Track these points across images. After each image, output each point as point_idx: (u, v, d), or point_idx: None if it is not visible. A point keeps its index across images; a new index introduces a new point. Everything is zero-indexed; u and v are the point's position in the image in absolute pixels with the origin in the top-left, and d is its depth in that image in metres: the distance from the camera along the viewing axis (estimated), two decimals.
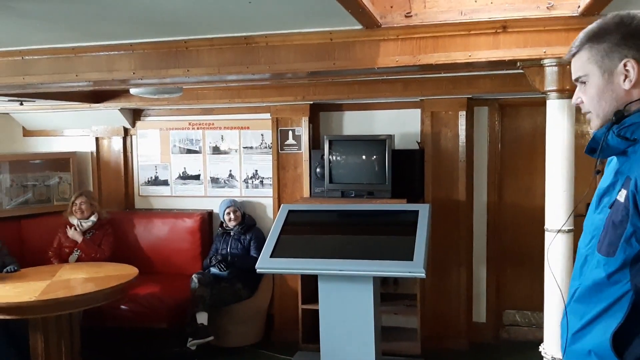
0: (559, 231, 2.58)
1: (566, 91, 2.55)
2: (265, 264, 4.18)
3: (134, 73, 2.84)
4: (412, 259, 3.89)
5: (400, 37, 2.50)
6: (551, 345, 2.66)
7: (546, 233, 2.66)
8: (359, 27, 2.49)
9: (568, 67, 2.48)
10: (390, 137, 4.71)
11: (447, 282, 5.00)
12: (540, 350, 2.73)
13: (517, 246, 5.16)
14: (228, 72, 2.73)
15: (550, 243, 2.63)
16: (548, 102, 2.62)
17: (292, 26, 2.56)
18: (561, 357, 2.65)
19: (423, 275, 3.81)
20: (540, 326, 5.14)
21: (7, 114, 5.99)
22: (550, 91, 2.58)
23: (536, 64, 2.55)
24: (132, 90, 4.00)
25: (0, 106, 5.39)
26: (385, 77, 4.56)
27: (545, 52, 2.42)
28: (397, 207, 4.52)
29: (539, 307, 5.14)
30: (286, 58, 2.64)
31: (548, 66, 2.53)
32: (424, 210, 4.28)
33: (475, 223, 5.11)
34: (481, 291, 5.19)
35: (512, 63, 2.60)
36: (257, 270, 4.18)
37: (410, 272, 3.91)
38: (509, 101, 5.00)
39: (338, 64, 2.59)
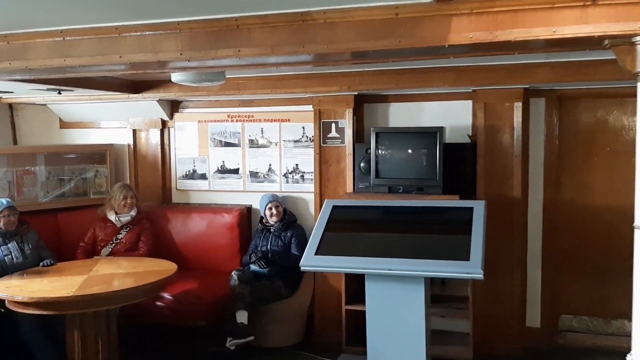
0: None
1: None
2: (310, 261, 3.99)
3: (180, 54, 2.65)
4: (468, 259, 3.66)
5: (474, 11, 2.26)
6: None
7: (636, 231, 2.38)
8: (428, 0, 2.26)
9: None
10: (442, 129, 4.45)
11: (499, 284, 4.71)
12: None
13: (575, 247, 4.86)
14: (282, 52, 2.52)
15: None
16: (639, 85, 2.34)
17: (353, 0, 2.33)
18: None
19: (481, 276, 3.57)
20: (599, 333, 4.89)
21: (45, 105, 5.90)
22: None
23: (627, 42, 2.27)
24: (174, 78, 3.82)
25: (38, 96, 5.30)
26: (436, 66, 4.34)
27: None
28: (450, 203, 4.26)
29: (598, 313, 4.91)
30: (346, 36, 2.41)
31: None
32: (479, 208, 4.03)
33: (530, 222, 4.82)
34: (535, 294, 4.90)
35: (599, 41, 2.33)
36: (301, 268, 3.98)
37: (467, 273, 3.67)
38: (567, 92, 4.70)
39: (404, 41, 2.35)
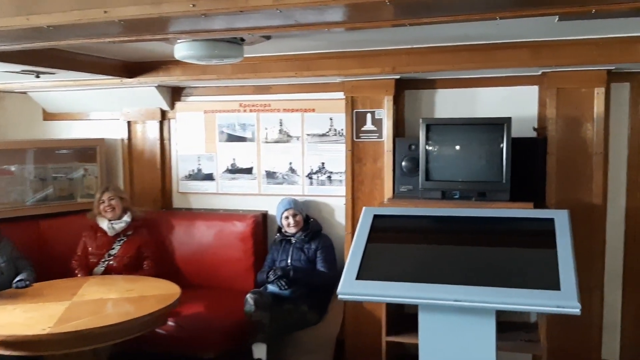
0: None
1: None
2: (350, 287, 3.14)
3: (193, 5, 1.79)
4: (558, 288, 2.85)
5: None
6: None
7: None
8: None
9: None
10: (509, 121, 3.61)
11: None
12: None
13: None
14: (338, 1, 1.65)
15: None
16: None
17: None
18: None
19: (578, 311, 2.74)
20: None
21: (25, 93, 5.07)
22: None
23: None
24: (178, 53, 2.99)
25: (15, 82, 4.47)
26: (505, 41, 3.51)
27: None
28: (525, 213, 3.43)
29: None
30: None
31: None
32: (561, 219, 3.21)
33: (609, 234, 3.99)
34: (614, 321, 4.08)
35: None
36: (339, 297, 3.13)
37: (558, 307, 2.83)
38: None
39: None
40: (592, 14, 2.19)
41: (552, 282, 2.88)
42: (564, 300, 2.80)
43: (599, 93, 3.77)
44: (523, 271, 3.11)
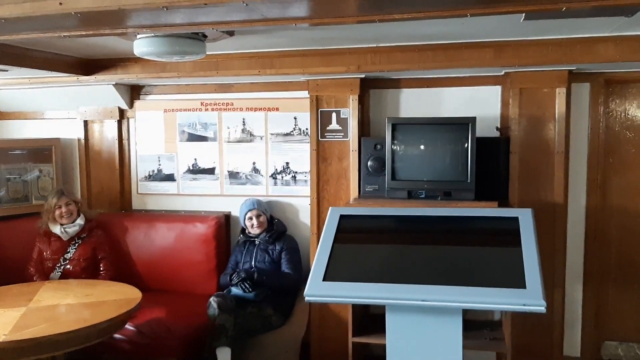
0: None
1: None
2: (317, 289, 3.10)
3: None
4: (524, 286, 2.87)
5: None
6: None
7: None
8: None
9: None
10: (474, 121, 3.63)
11: None
12: None
13: (624, 261, 4.13)
14: None
15: None
16: None
17: None
18: None
19: (543, 309, 2.77)
20: None
21: None
22: None
23: None
24: (138, 49, 2.89)
25: None
26: (470, 41, 3.53)
27: None
28: (490, 212, 3.45)
29: None
30: None
31: None
32: (525, 217, 3.25)
33: (570, 232, 4.05)
34: (575, 317, 4.15)
35: None
36: (306, 299, 3.09)
37: (524, 305, 2.84)
38: (616, 76, 3.95)
39: None
40: (560, 12, 2.18)
41: (517, 281, 2.90)
42: (529, 299, 2.82)
43: (560, 93, 3.82)
44: (489, 270, 3.12)
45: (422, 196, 3.74)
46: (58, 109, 4.95)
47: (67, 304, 3.49)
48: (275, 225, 4.32)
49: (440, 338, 3.12)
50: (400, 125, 3.77)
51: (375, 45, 3.65)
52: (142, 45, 2.86)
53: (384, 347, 3.16)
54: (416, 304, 2.99)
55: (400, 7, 2.20)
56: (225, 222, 4.63)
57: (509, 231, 3.22)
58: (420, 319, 3.11)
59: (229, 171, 4.67)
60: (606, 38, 3.34)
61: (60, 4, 1.79)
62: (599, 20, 2.96)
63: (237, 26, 2.07)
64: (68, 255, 4.22)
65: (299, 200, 4.49)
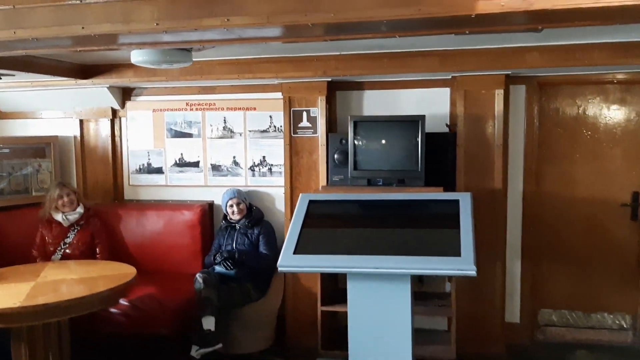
0: None
1: None
2: (288, 261, 3.65)
3: (157, 24, 2.25)
4: (459, 255, 3.43)
5: None
6: None
7: None
8: None
9: None
10: (423, 118, 4.20)
11: (479, 279, 4.37)
12: None
13: (555, 239, 4.73)
14: (280, 23, 2.16)
15: None
16: None
17: None
18: None
19: (474, 273, 3.34)
20: (578, 326, 4.77)
21: None
22: None
23: None
24: (134, 58, 3.39)
25: None
26: (419, 50, 4.10)
27: None
28: (435, 196, 4.02)
29: (578, 306, 4.80)
30: (357, 3, 2.09)
31: None
32: (465, 200, 3.82)
33: (509, 214, 4.63)
34: (515, 289, 4.74)
35: None
36: (279, 269, 3.64)
37: (459, 270, 3.43)
38: (548, 79, 4.54)
39: (424, 10, 2.05)
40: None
41: (454, 251, 3.46)
42: (463, 265, 3.37)
43: (498, 94, 4.38)
44: (432, 242, 3.68)
45: (380, 183, 4.30)
46: (56, 109, 5.38)
47: (71, 279, 3.97)
48: (253, 212, 4.83)
49: (393, 301, 3.67)
50: (361, 123, 4.33)
51: (338, 53, 4.18)
52: (138, 55, 3.37)
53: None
54: (372, 271, 3.53)
55: (359, 31, 2.71)
56: (209, 209, 5.12)
57: (450, 211, 3.76)
58: (376, 285, 3.65)
59: (211, 164, 5.17)
60: (532, 47, 3.92)
61: (83, 27, 2.32)
62: (525, 34, 3.53)
63: (220, 43, 2.62)
64: (68, 240, 4.68)
65: (274, 190, 5.01)
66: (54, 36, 2.38)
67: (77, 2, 2.31)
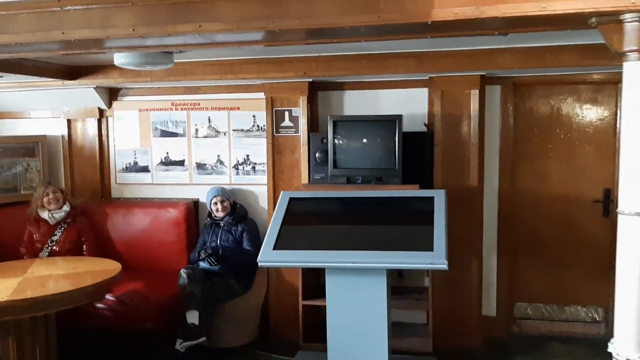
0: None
1: None
2: (268, 256, 3.78)
3: (133, 30, 2.37)
4: (432, 249, 3.57)
5: None
6: (625, 344, 2.32)
7: (620, 217, 2.31)
8: None
9: None
10: (400, 118, 4.33)
11: (456, 274, 4.62)
12: (610, 350, 2.39)
13: (530, 235, 4.87)
14: (249, 28, 2.29)
15: (625, 228, 2.28)
16: (626, 64, 2.27)
17: None
18: (637, 358, 2.33)
19: (445, 267, 3.48)
20: (553, 319, 4.92)
21: None
22: (630, 51, 2.22)
23: (615, 20, 2.19)
24: (117, 60, 3.51)
25: None
26: (396, 52, 4.22)
27: (633, 2, 2.05)
28: (411, 193, 4.16)
29: (552, 299, 4.95)
30: (322, 10, 2.21)
31: (629, 22, 2.17)
32: (439, 197, 3.96)
33: (485, 210, 4.77)
34: (491, 283, 4.88)
35: (586, 19, 2.24)
36: (259, 264, 3.77)
37: (431, 264, 3.57)
38: (522, 80, 4.68)
39: (384, 17, 2.18)
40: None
41: (428, 246, 3.59)
42: (435, 259, 3.51)
43: (474, 94, 4.51)
44: (407, 238, 3.81)
45: (359, 181, 4.43)
46: (44, 109, 5.49)
47: (58, 274, 4.09)
48: (237, 209, 4.95)
49: (370, 295, 3.80)
50: (340, 122, 4.46)
51: (318, 54, 4.30)
52: (121, 57, 3.48)
53: None
54: (349, 266, 3.67)
55: (337, 36, 2.83)
56: (194, 207, 5.24)
57: (425, 208, 3.89)
58: (353, 279, 3.78)
59: (196, 163, 5.28)
60: (505, 49, 4.05)
61: (63, 33, 2.44)
62: (497, 37, 3.65)
63: (195, 48, 2.74)
64: (55, 238, 4.78)
65: (258, 188, 5.12)
66: (36, 41, 2.49)
67: (58, 8, 2.42)
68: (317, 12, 2.21)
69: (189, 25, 2.33)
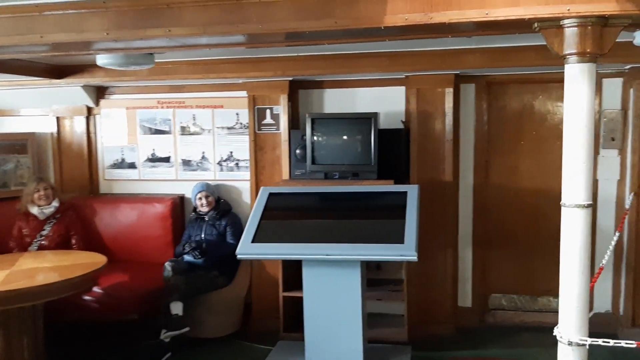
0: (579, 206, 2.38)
1: (587, 54, 2.36)
2: (247, 249, 3.94)
3: (107, 34, 2.52)
4: (402, 242, 3.73)
5: None
6: (568, 328, 2.48)
7: (563, 209, 2.47)
8: None
9: (589, 28, 2.31)
10: (376, 115, 4.48)
11: (432, 266, 4.81)
12: (555, 334, 2.55)
13: (503, 228, 5.03)
14: (214, 32, 2.44)
15: (568, 219, 2.44)
16: (567, 67, 2.43)
17: None
18: (578, 341, 2.49)
19: (415, 258, 3.64)
20: (526, 310, 5.09)
21: None
22: (570, 54, 2.37)
23: (555, 25, 2.34)
24: (99, 61, 3.65)
25: None
26: (370, 51, 4.36)
27: (569, 9, 2.21)
28: (385, 188, 4.31)
29: (525, 290, 5.11)
30: (280, 15, 2.36)
31: (568, 27, 2.33)
32: (412, 192, 4.10)
33: (461, 204, 4.94)
34: (467, 275, 5.04)
35: (529, 24, 2.39)
36: (238, 256, 3.93)
37: (401, 256, 3.74)
38: (495, 78, 4.83)
39: (340, 22, 2.33)
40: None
41: (399, 238, 3.75)
42: (405, 251, 3.67)
43: (448, 92, 4.66)
44: (380, 231, 3.96)
45: (336, 177, 4.58)
46: (33, 107, 5.62)
47: (45, 267, 4.23)
48: (221, 204, 5.09)
49: (345, 286, 3.96)
50: (318, 120, 4.61)
51: (296, 54, 4.44)
52: (103, 58, 3.62)
53: None
54: (324, 258, 3.83)
55: (299, 39, 2.99)
56: (179, 202, 5.39)
57: (399, 202, 4.04)
58: (329, 271, 3.95)
59: (182, 159, 5.42)
60: (474, 49, 4.20)
61: (41, 37, 2.58)
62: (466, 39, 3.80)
63: (168, 50, 2.89)
64: (44, 232, 4.91)
65: (241, 184, 5.26)
66: (15, 44, 2.64)
67: (36, 13, 2.57)
68: (277, 18, 2.36)
69: (159, 30, 2.48)
